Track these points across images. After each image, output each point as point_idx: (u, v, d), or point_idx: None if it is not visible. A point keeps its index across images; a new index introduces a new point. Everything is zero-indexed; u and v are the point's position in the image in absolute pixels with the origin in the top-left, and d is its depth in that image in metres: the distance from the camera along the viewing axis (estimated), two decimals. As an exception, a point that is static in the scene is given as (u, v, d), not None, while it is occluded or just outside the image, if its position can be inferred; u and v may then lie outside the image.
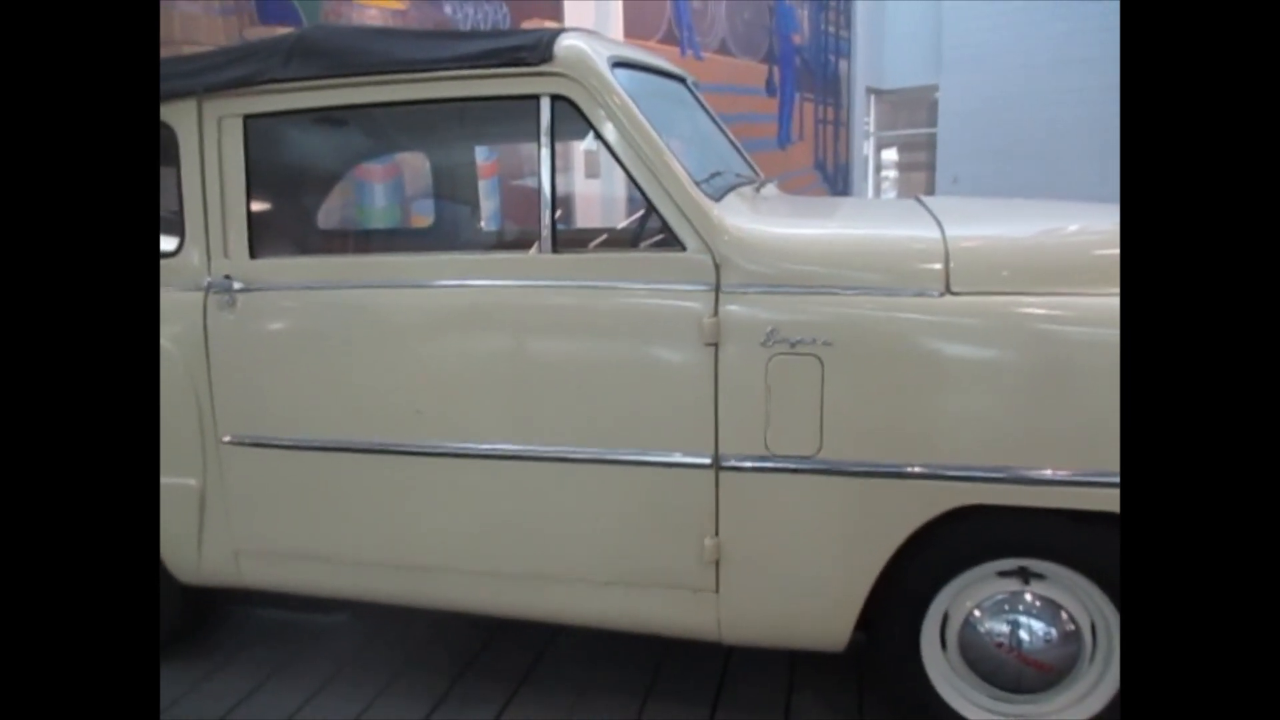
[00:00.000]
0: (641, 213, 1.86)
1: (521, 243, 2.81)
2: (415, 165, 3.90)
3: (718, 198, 1.79)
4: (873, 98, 10.11)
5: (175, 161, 2.00)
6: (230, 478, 2.02)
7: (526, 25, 5.09)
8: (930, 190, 10.13)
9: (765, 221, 1.79)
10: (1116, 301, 1.52)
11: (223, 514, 2.04)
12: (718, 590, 1.75)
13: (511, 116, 2.27)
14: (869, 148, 10.28)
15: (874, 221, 1.99)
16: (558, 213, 1.81)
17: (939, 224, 1.73)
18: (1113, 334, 1.51)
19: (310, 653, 2.28)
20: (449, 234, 2.91)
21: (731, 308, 1.67)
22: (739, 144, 2.45)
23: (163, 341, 2.00)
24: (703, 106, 2.39)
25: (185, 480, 2.03)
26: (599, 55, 1.77)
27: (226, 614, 2.47)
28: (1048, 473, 1.56)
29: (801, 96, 8.43)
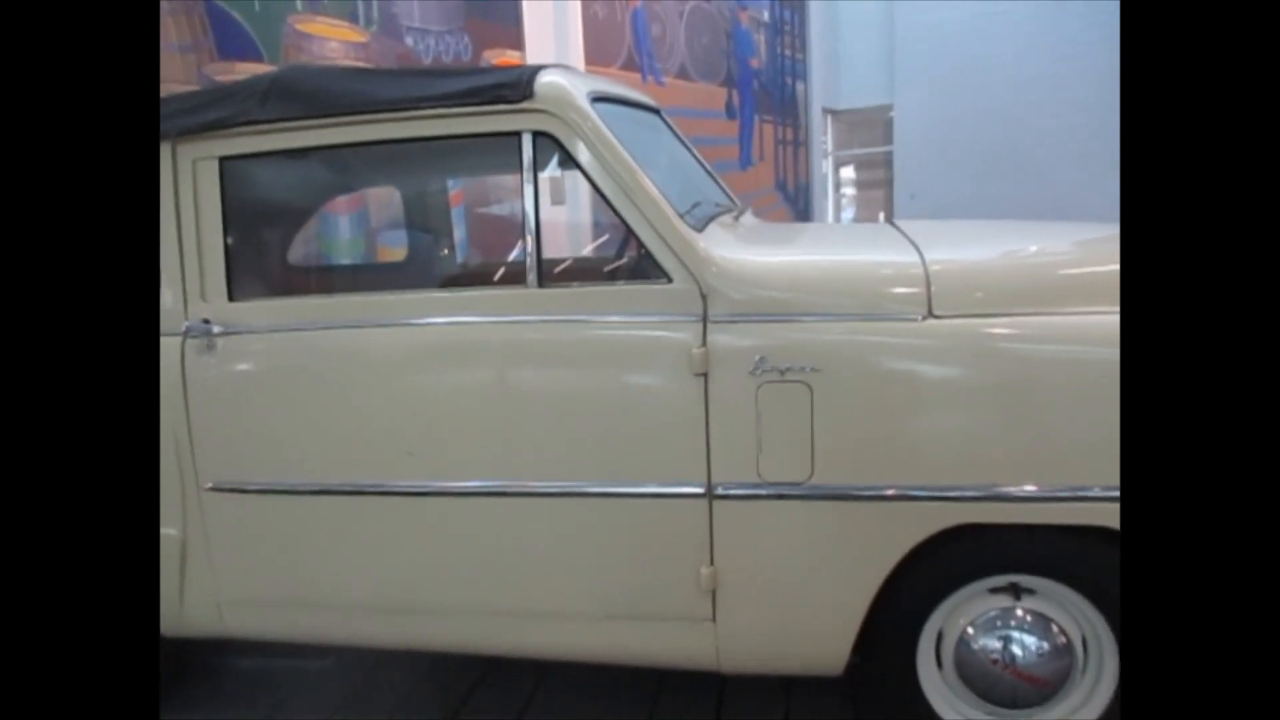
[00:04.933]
0: (608, 240, 1.87)
1: (495, 273, 2.81)
2: (380, 195, 3.88)
3: (700, 228, 1.81)
4: (829, 118, 10.30)
5: (149, 205, 1.96)
6: (212, 525, 1.97)
7: (488, 55, 5.11)
8: (888, 207, 10.32)
9: (749, 251, 1.82)
10: (1096, 319, 1.56)
11: (205, 563, 1.99)
12: (715, 619, 1.75)
13: (486, 150, 2.27)
14: (828, 167, 10.46)
15: (855, 248, 2.03)
16: (529, 243, 1.81)
17: (917, 249, 1.77)
18: (1093, 351, 1.55)
19: (296, 702, 2.22)
20: (424, 267, 2.90)
21: (719, 338, 1.69)
22: (714, 172, 2.48)
23: (139, 388, 1.96)
24: (678, 137, 2.42)
25: (166, 530, 1.98)
26: (578, 90, 1.79)
27: (207, 666, 2.40)
28: (1035, 489, 1.59)
29: (761, 119, 8.56)
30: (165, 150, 1.94)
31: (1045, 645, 1.69)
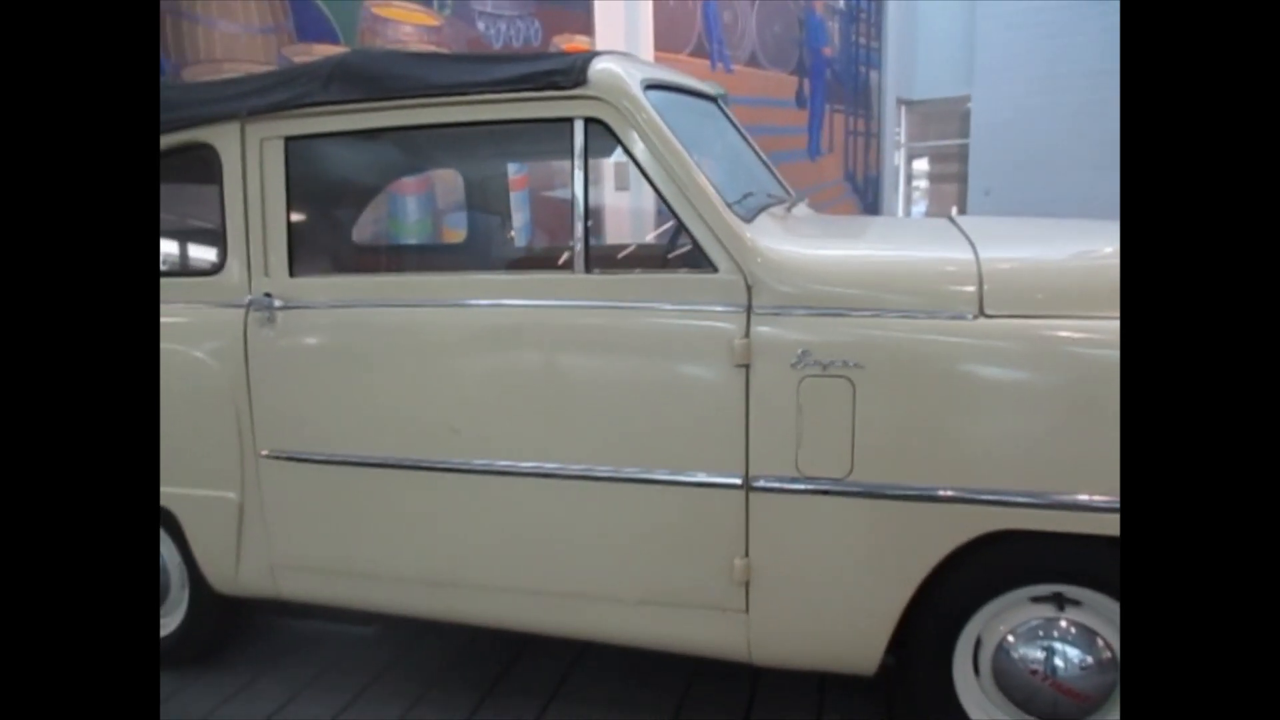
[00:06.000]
0: (670, 228, 1.87)
1: (554, 257, 2.84)
2: (447, 177, 3.96)
3: (749, 219, 1.80)
4: (903, 109, 10.05)
5: (218, 181, 2.05)
6: (268, 492, 2.06)
7: (558, 40, 5.14)
8: (962, 202, 10.03)
9: (797, 243, 1.80)
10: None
11: (260, 527, 2.08)
12: (748, 611, 1.75)
13: (546, 134, 2.29)
14: (900, 159, 10.22)
15: (906, 243, 1.98)
16: (589, 226, 1.83)
17: (972, 245, 1.72)
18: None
19: (343, 665, 2.31)
20: (483, 249, 2.95)
21: (763, 329, 1.67)
22: (770, 162, 2.46)
23: (204, 356, 2.05)
24: (734, 125, 2.40)
25: (224, 493, 2.08)
26: (632, 78, 1.79)
27: (262, 625, 2.51)
28: (1082, 498, 1.54)
29: (832, 108, 8.40)
30: (234, 129, 2.01)
31: (1089, 659, 1.64)
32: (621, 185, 4.33)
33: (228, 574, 2.13)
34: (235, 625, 2.40)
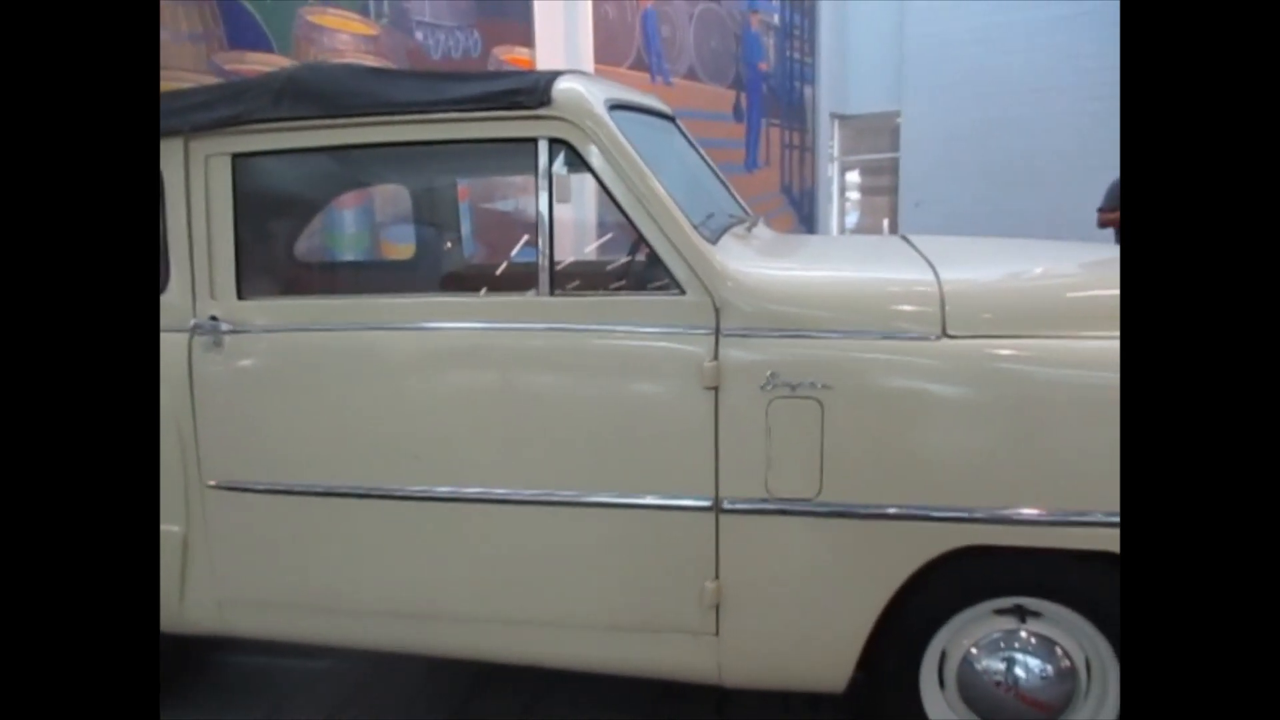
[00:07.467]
0: (611, 239, 1.86)
1: (503, 273, 2.80)
2: (385, 190, 3.87)
3: (714, 240, 1.80)
4: (836, 123, 10.29)
5: (159, 200, 1.95)
6: (215, 524, 1.96)
7: (497, 51, 5.09)
8: (893, 213, 10.31)
9: (764, 265, 1.81)
10: (1111, 344, 1.56)
11: (207, 561, 1.98)
12: (718, 633, 1.75)
13: (500, 153, 2.27)
14: (833, 171, 10.45)
15: (870, 264, 2.02)
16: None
17: (932, 267, 1.76)
18: (1106, 376, 1.54)
19: (296, 701, 2.22)
20: (432, 266, 2.89)
21: (731, 352, 1.68)
22: (727, 181, 2.47)
23: (145, 384, 1.94)
24: (692, 144, 2.41)
25: (168, 526, 1.97)
26: (595, 98, 1.78)
27: (209, 663, 2.39)
28: (1040, 513, 1.58)
29: (768, 122, 8.55)
30: (178, 146, 1.92)
31: (1049, 668, 1.68)
32: (562, 198, 4.31)
33: (172, 610, 2.02)
34: (180, 664, 2.28)
